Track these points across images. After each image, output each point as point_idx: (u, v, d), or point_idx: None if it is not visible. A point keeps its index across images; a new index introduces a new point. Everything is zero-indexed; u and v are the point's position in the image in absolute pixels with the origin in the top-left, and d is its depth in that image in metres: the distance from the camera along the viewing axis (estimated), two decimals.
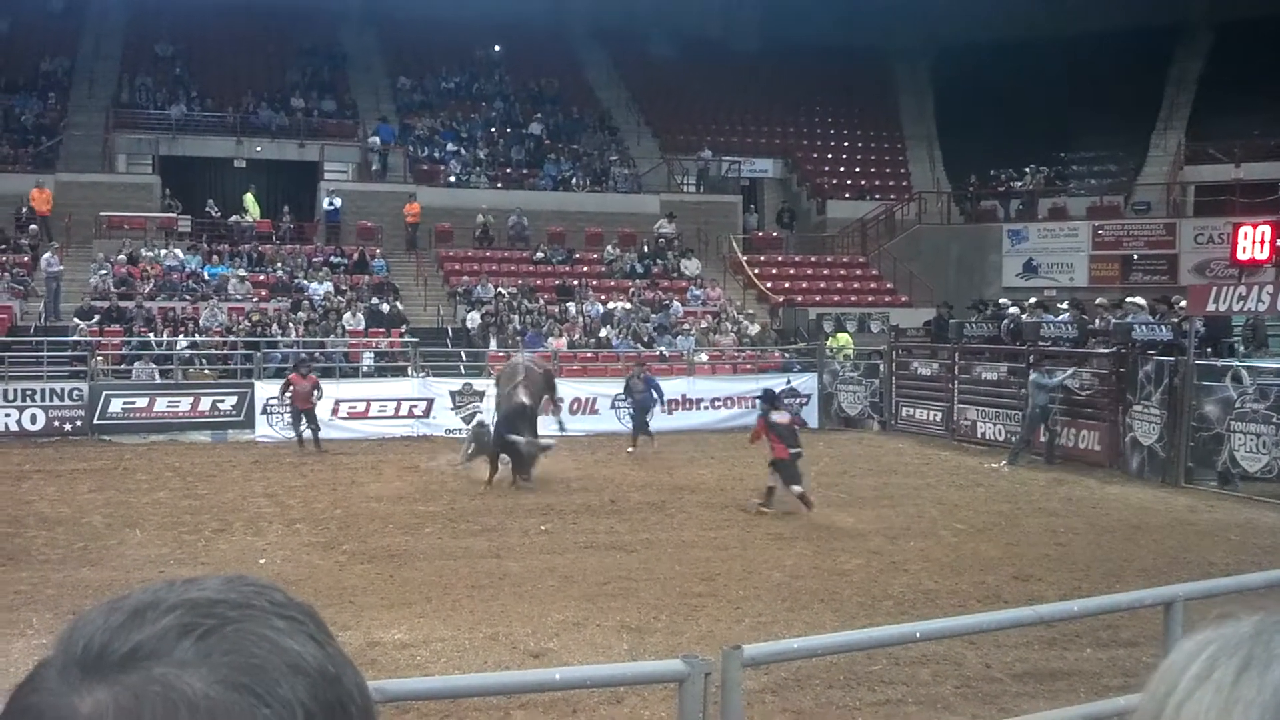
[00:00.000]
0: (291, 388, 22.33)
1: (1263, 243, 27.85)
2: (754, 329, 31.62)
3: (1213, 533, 15.33)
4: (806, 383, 28.14)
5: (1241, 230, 28.33)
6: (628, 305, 31.41)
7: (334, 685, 0.83)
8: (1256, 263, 27.94)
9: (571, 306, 31.08)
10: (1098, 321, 24.43)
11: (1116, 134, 39.37)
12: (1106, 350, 22.25)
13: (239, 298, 29.28)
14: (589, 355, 28.86)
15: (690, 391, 27.20)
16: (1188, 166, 37.56)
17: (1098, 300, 27.10)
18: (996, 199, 39.03)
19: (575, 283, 32.88)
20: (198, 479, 19.08)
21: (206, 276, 30.22)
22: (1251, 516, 16.62)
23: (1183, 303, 22.17)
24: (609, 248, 35.15)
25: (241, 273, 30.62)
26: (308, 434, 22.45)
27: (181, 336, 26.97)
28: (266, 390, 24.27)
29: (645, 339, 29.94)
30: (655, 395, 23.76)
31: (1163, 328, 21.54)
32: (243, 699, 0.78)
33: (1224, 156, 36.29)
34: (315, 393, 22.32)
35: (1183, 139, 38.46)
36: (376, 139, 37.29)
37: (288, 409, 23.19)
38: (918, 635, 6.32)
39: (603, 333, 30.00)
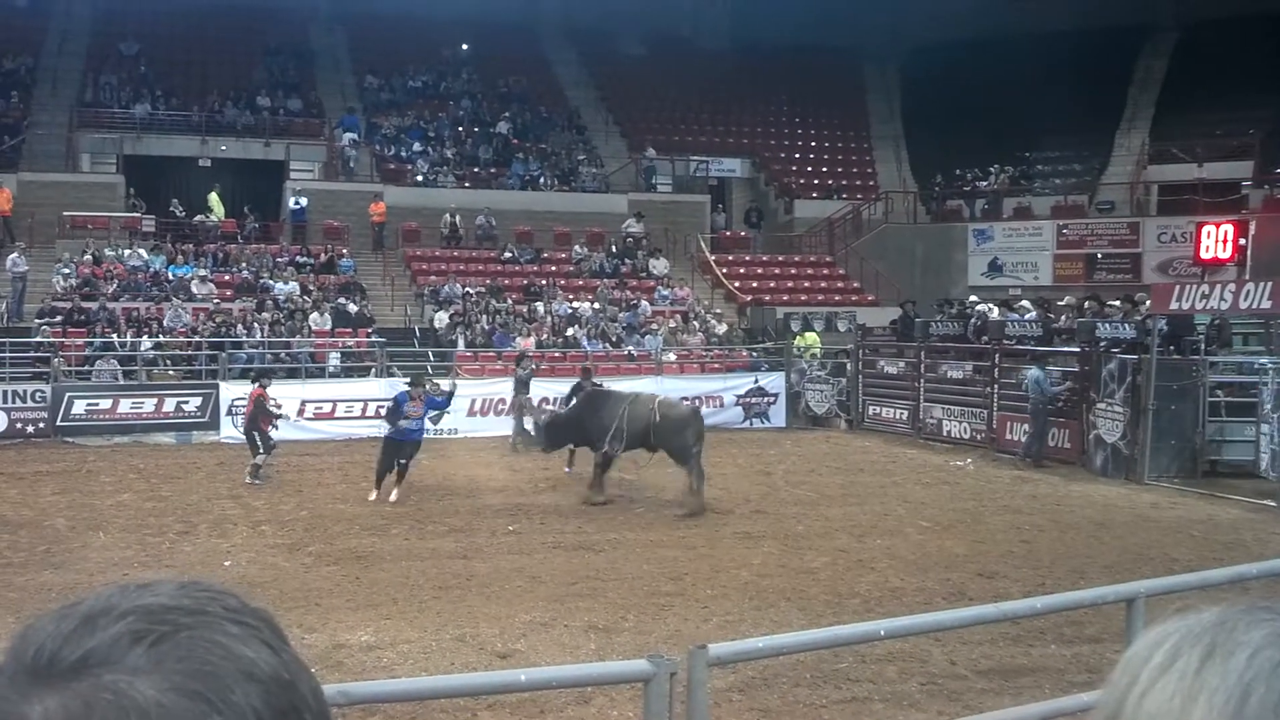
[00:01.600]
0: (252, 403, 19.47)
1: (1225, 242, 28.13)
2: (722, 328, 31.67)
3: (1176, 529, 15.49)
4: (774, 382, 28.21)
5: (1204, 229, 28.60)
6: (596, 305, 31.39)
7: (288, 691, 0.82)
8: (1219, 261, 28.21)
9: (539, 306, 31.02)
10: (1063, 320, 24.62)
11: (1081, 134, 39.67)
12: (1071, 349, 22.42)
13: (199, 298, 29.07)
14: (557, 355, 28.82)
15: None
16: (1151, 166, 37.87)
17: (1064, 299, 27.32)
18: (962, 198, 39.24)
19: (543, 282, 32.82)
20: (162, 481, 18.93)
21: (170, 277, 29.98)
22: (1213, 512, 16.81)
23: (1146, 302, 22.35)
24: (577, 247, 35.11)
25: (203, 273, 30.39)
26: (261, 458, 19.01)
27: (145, 337, 26.74)
28: (231, 391, 24.06)
29: (613, 338, 29.94)
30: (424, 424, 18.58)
31: (1126, 326, 21.73)
32: (195, 706, 0.77)
33: (1187, 156, 36.61)
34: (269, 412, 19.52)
35: (1146, 139, 38.78)
36: (351, 134, 37.15)
37: (244, 423, 19.97)
38: (882, 633, 6.36)
39: (570, 332, 29.97)
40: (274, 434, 19.68)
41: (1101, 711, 0.82)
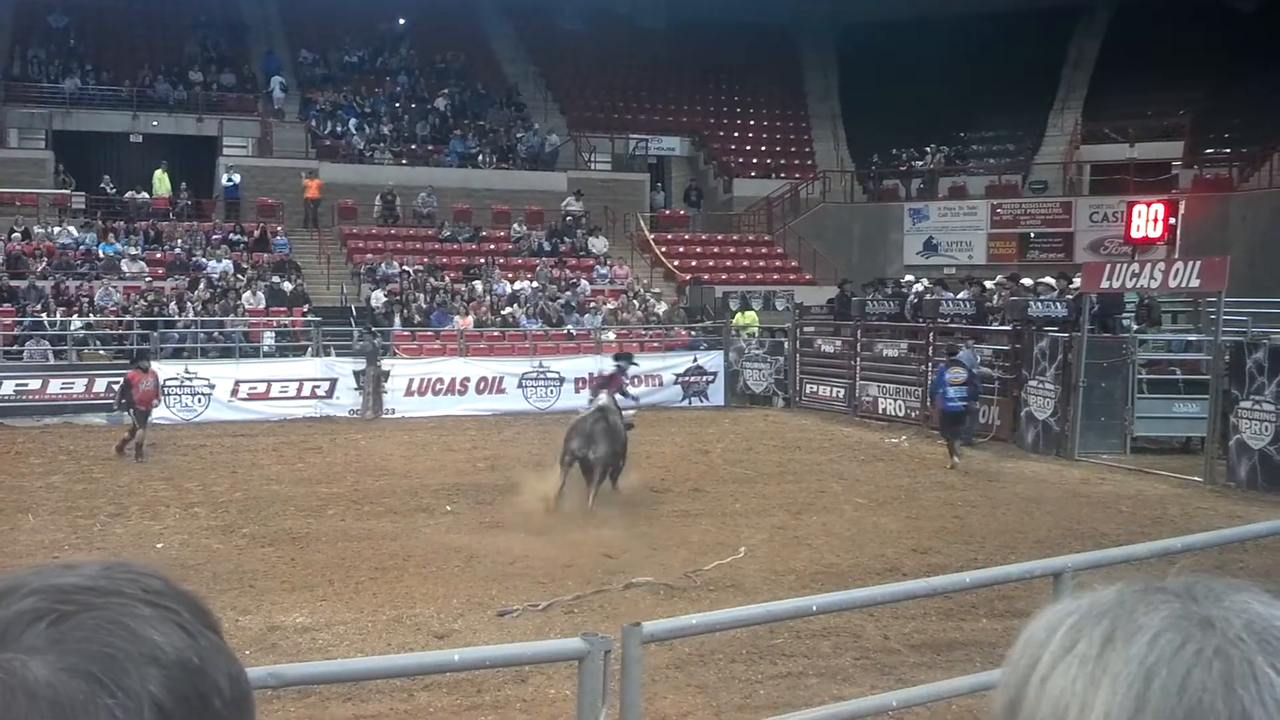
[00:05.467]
0: (132, 389, 19.14)
1: (1156, 221, 28.63)
2: (661, 307, 31.69)
3: (1105, 504, 15.76)
4: (713, 360, 28.30)
5: (1135, 209, 29.09)
6: (535, 283, 31.28)
7: (195, 677, 0.80)
8: (1149, 241, 28.70)
9: (478, 285, 30.84)
10: (995, 299, 24.90)
11: (1015, 114, 40.03)
12: (1003, 327, 22.69)
13: (130, 276, 28.60)
14: (496, 334, 28.72)
15: (597, 370, 27.17)
16: (1083, 146, 38.32)
17: (996, 278, 27.62)
18: (898, 178, 39.51)
19: (481, 261, 32.63)
20: (93, 462, 18.64)
21: (101, 254, 29.46)
22: (1142, 488, 17.11)
23: (1078, 280, 22.66)
24: (516, 225, 34.94)
25: (134, 251, 29.90)
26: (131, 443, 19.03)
27: (75, 316, 26.29)
28: (164, 371, 23.69)
29: (553, 318, 29.87)
30: None
31: (1058, 304, 22.01)
32: (86, 687, 0.76)
33: (1118, 136, 37.10)
34: (159, 390, 20.26)
35: (1079, 119, 39.21)
36: (280, 79, 36.81)
37: (128, 411, 19.51)
38: (814, 609, 6.42)
39: (508, 311, 29.84)
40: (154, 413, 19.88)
41: (1004, 692, 0.83)
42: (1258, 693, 0.73)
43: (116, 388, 20.70)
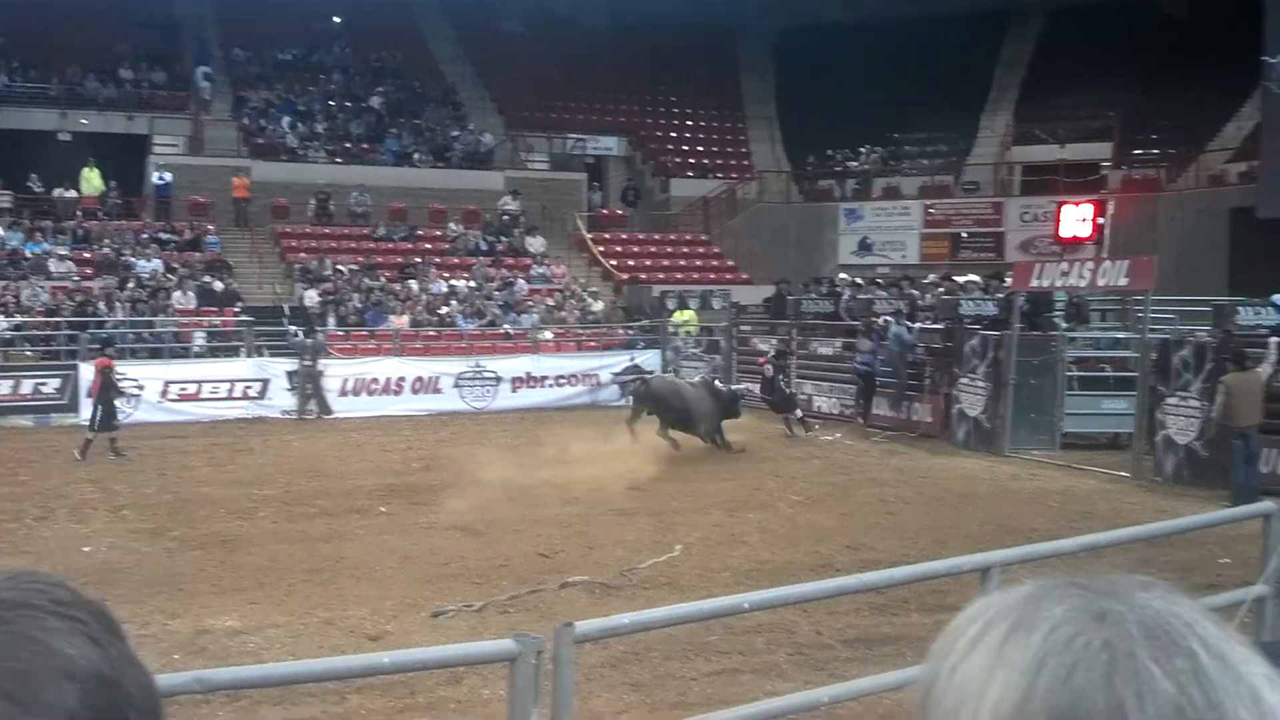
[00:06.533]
0: (112, 374, 19.66)
1: (1085, 221, 29.14)
2: (598, 306, 31.68)
3: (1035, 500, 15.98)
4: (650, 359, 28.33)
5: (1065, 209, 29.58)
6: (471, 283, 31.14)
7: (109, 689, 0.80)
8: (1079, 240, 29.18)
9: (413, 284, 30.63)
10: (927, 297, 25.16)
11: (948, 115, 40.42)
12: (935, 326, 22.95)
13: (58, 276, 28.10)
14: (432, 334, 28.56)
15: (534, 369, 27.18)
16: (1015, 147, 38.82)
17: (929, 278, 27.92)
18: (833, 178, 39.81)
19: (417, 260, 32.42)
20: (19, 465, 18.29)
21: (28, 254, 28.91)
22: (1071, 484, 17.37)
23: (1009, 279, 22.96)
24: (452, 224, 34.76)
25: (62, 250, 29.37)
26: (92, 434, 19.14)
27: (2, 317, 25.79)
28: (91, 372, 23.32)
29: (489, 317, 29.75)
30: None
31: (989, 303, 22.29)
32: (4, 705, 0.75)
33: (1049, 137, 37.62)
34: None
35: (1010, 120, 39.71)
36: (205, 68, 36.53)
37: (96, 408, 19.50)
38: (746, 606, 6.45)
39: (444, 310, 29.67)
40: (121, 408, 19.85)
41: (922, 683, 0.86)
42: (1136, 686, 0.75)
43: (99, 382, 19.65)
